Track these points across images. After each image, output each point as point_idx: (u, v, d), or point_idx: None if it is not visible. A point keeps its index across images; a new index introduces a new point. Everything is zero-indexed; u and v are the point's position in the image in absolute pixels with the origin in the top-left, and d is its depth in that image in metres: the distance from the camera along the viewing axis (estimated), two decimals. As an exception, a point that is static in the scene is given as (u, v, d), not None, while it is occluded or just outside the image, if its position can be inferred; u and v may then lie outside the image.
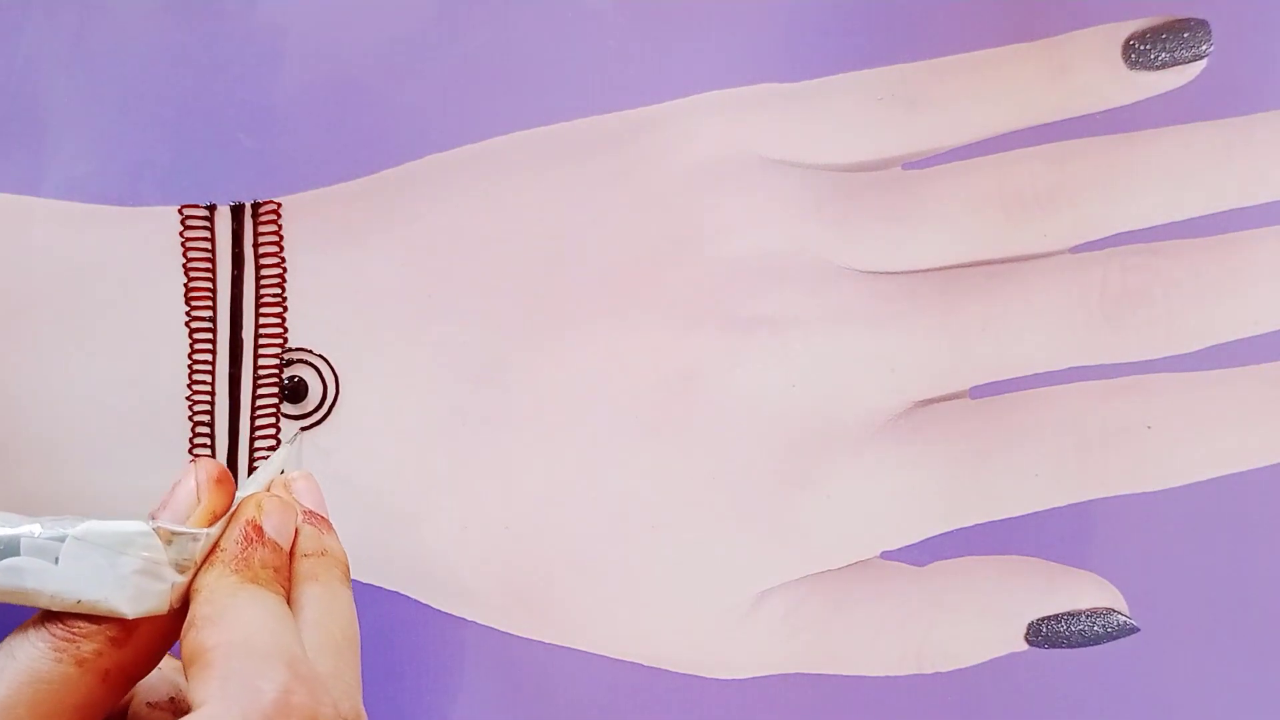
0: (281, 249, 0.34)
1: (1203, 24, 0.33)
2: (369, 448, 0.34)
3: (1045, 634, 0.34)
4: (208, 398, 0.34)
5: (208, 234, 0.34)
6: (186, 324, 0.34)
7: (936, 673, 0.34)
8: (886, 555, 0.34)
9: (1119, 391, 0.34)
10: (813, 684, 0.34)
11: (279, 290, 0.34)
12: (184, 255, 0.34)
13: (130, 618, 0.23)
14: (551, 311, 0.34)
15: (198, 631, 0.22)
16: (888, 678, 0.34)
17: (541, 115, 0.34)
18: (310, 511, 0.27)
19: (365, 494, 0.34)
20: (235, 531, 0.25)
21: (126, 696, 0.26)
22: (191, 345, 0.34)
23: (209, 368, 0.34)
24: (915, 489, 0.34)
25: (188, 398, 0.34)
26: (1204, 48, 0.33)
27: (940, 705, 0.34)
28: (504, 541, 0.34)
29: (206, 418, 0.34)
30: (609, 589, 0.34)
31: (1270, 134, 0.33)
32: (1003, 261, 0.34)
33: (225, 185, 0.34)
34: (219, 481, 0.25)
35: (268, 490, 0.27)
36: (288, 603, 0.24)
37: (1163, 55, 0.33)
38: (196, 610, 0.23)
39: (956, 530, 0.34)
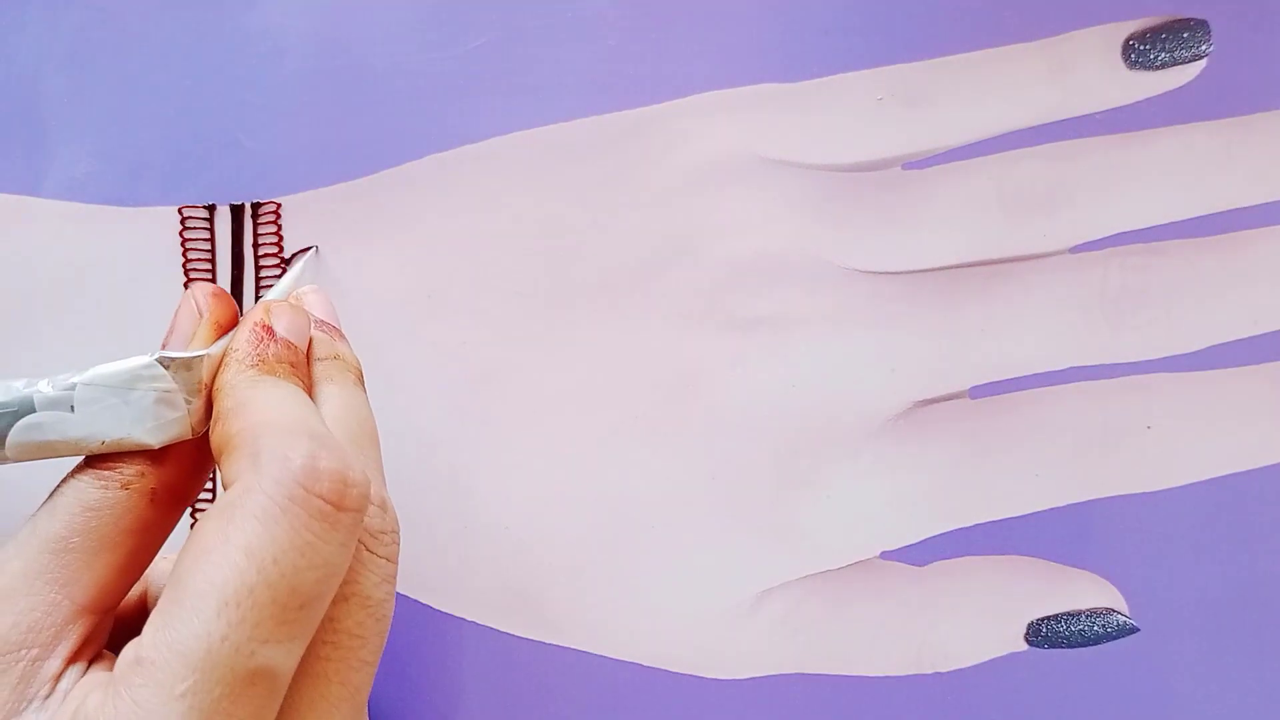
0: (281, 249, 0.34)
1: (1203, 24, 0.33)
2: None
3: (1045, 634, 0.34)
4: (208, 398, 0.34)
5: (208, 234, 0.34)
6: (186, 324, 0.34)
7: (936, 673, 0.34)
8: (886, 555, 0.34)
9: (1119, 391, 0.34)
10: (813, 684, 0.34)
11: (279, 290, 0.34)
12: (184, 255, 0.34)
13: (156, 447, 0.23)
14: (551, 311, 0.34)
15: (224, 423, 0.23)
16: (888, 678, 0.34)
17: (541, 115, 0.34)
18: (321, 320, 0.27)
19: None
20: (245, 332, 0.25)
21: (141, 589, 0.27)
22: (191, 345, 0.34)
23: (209, 368, 0.34)
24: (915, 489, 0.34)
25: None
26: (1204, 48, 0.33)
27: (940, 705, 0.34)
28: (504, 541, 0.34)
29: (206, 418, 0.34)
30: (609, 589, 0.34)
31: (1270, 134, 0.33)
32: (1003, 261, 0.34)
33: (225, 185, 0.34)
34: (216, 295, 0.26)
35: None
36: None
37: (1163, 55, 0.33)
38: (220, 406, 0.23)
39: (956, 530, 0.34)
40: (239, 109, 0.34)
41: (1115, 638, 0.34)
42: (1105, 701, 0.34)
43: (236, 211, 0.34)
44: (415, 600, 0.34)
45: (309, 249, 0.34)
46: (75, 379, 0.23)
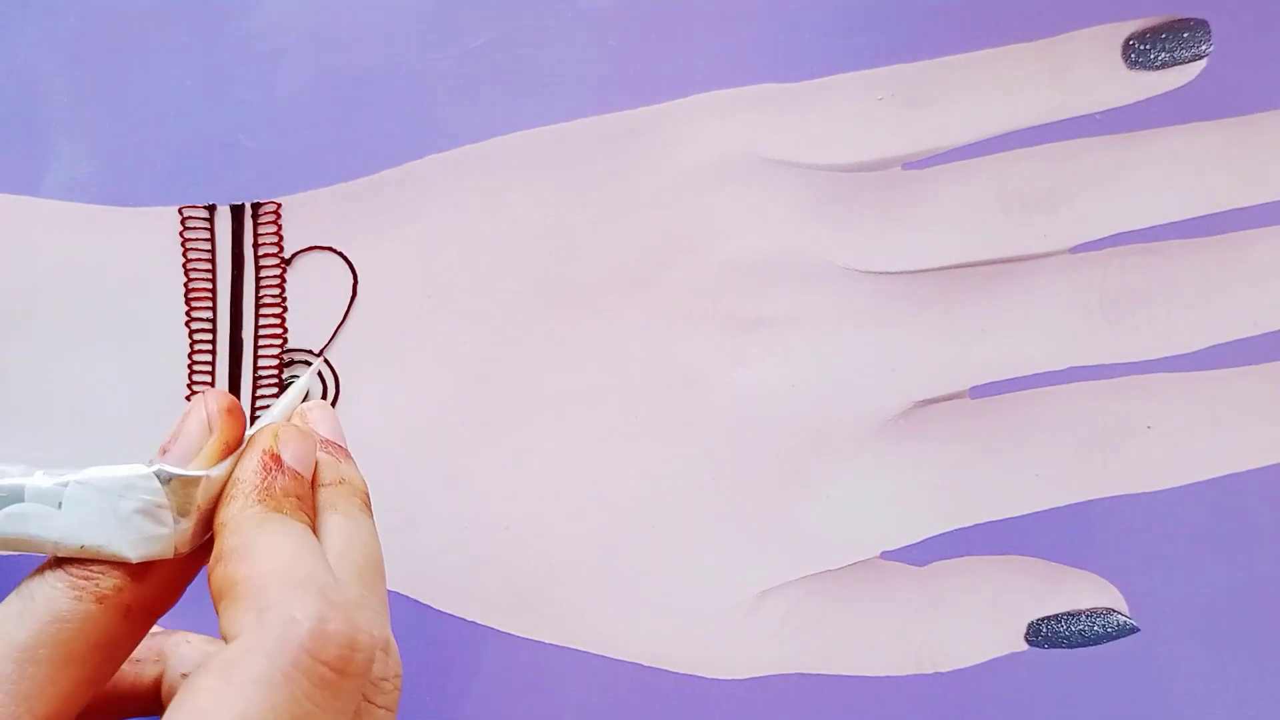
0: (281, 249, 0.34)
1: (1203, 24, 0.33)
2: (369, 448, 0.34)
3: (1045, 634, 0.34)
4: (208, 398, 0.34)
5: (208, 234, 0.34)
6: (186, 324, 0.34)
7: (936, 673, 0.34)
8: (886, 555, 0.34)
9: (1119, 391, 0.34)
10: (813, 684, 0.34)
11: (279, 290, 0.34)
12: (184, 255, 0.34)
13: (134, 562, 0.22)
14: (552, 312, 0.34)
15: (226, 564, 0.22)
16: (888, 678, 0.34)
17: (541, 115, 0.34)
18: (327, 440, 0.26)
19: (365, 494, 0.34)
20: (253, 462, 0.24)
21: (158, 670, 0.26)
22: (191, 345, 0.34)
23: (209, 368, 0.34)
24: (915, 489, 0.34)
25: (187, 398, 0.34)
26: (1204, 48, 0.33)
27: (940, 705, 0.34)
28: (504, 541, 0.34)
29: (206, 418, 0.34)
30: (609, 589, 0.34)
31: (1270, 134, 0.33)
32: (1003, 261, 0.34)
33: (225, 185, 0.34)
34: (230, 411, 0.24)
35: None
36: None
37: (1163, 55, 0.33)
38: (223, 543, 0.22)
39: (956, 530, 0.34)
40: (239, 109, 0.34)
41: (1115, 638, 0.34)
42: (1105, 701, 0.34)
43: (236, 211, 0.34)
44: (415, 600, 0.34)
45: (310, 363, 0.33)
46: (70, 477, 0.22)
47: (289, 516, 0.23)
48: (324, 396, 0.34)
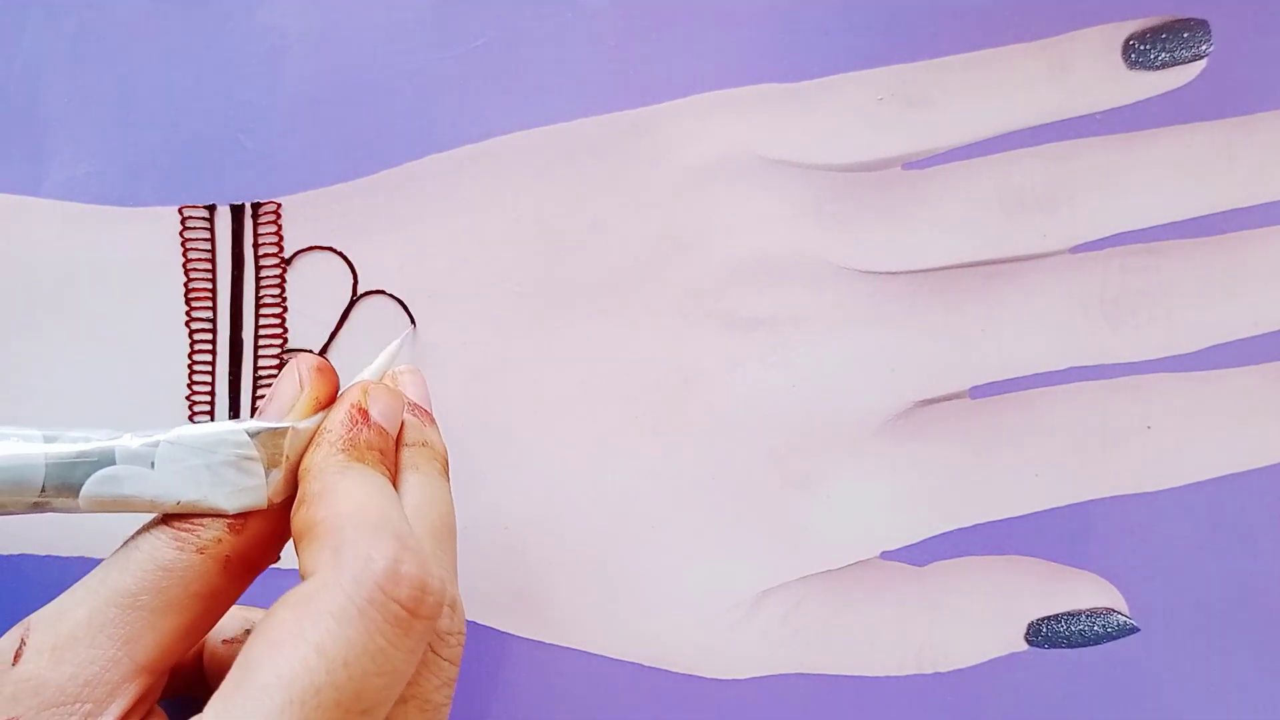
0: (282, 249, 0.34)
1: (1203, 24, 0.33)
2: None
3: (1045, 634, 0.34)
4: (208, 398, 0.34)
5: (208, 234, 0.34)
6: (186, 324, 0.34)
7: (936, 673, 0.34)
8: (886, 555, 0.34)
9: (1119, 391, 0.34)
10: (813, 684, 0.34)
11: (279, 290, 0.34)
12: (184, 255, 0.34)
13: (230, 513, 0.23)
14: (551, 312, 0.34)
15: (308, 508, 0.23)
16: (888, 678, 0.34)
17: (541, 115, 0.34)
18: (415, 404, 0.27)
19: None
20: (340, 414, 0.25)
21: (200, 642, 0.27)
22: (191, 345, 0.34)
23: (209, 368, 0.34)
24: (915, 489, 0.34)
25: (188, 398, 0.34)
26: (1204, 48, 0.33)
27: (940, 705, 0.34)
28: (504, 541, 0.34)
29: (206, 418, 0.34)
30: (609, 589, 0.34)
31: (1270, 134, 0.33)
32: (1003, 261, 0.34)
33: (225, 185, 0.34)
34: (320, 370, 0.25)
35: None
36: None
37: (1163, 55, 0.33)
38: (306, 488, 0.23)
39: (956, 530, 0.34)
40: (239, 109, 0.34)
41: (1115, 638, 0.34)
42: (1105, 701, 0.34)
43: (236, 211, 0.34)
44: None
45: (411, 328, 0.34)
46: (160, 436, 0.23)
47: (370, 467, 0.24)
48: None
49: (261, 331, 0.34)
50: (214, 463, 0.23)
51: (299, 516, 0.23)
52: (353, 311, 0.34)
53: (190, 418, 0.34)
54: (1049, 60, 0.34)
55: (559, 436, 0.34)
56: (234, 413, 0.34)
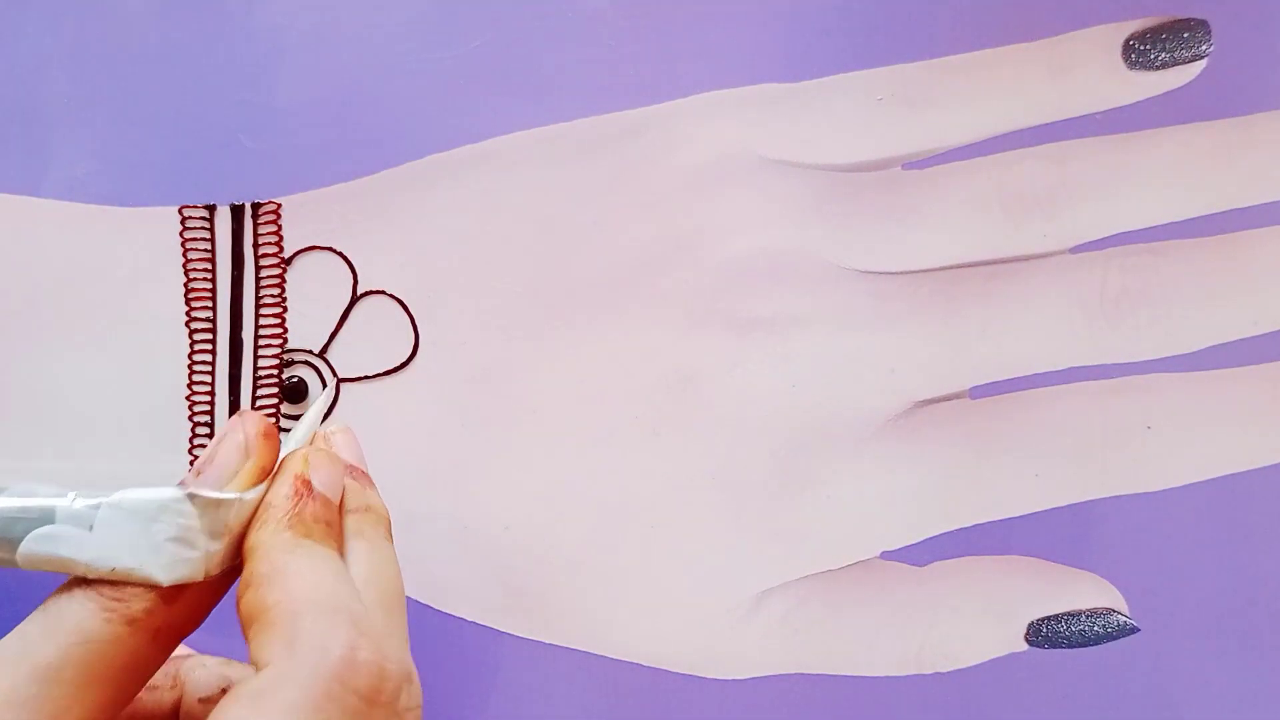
0: (281, 249, 0.34)
1: (1203, 24, 0.33)
2: (369, 448, 0.34)
3: (1045, 634, 0.34)
4: (208, 398, 0.34)
5: (208, 234, 0.34)
6: (186, 324, 0.34)
7: (936, 673, 0.34)
8: (886, 555, 0.34)
9: (1119, 391, 0.34)
10: (813, 684, 0.34)
11: (279, 290, 0.34)
12: (184, 255, 0.34)
13: (165, 585, 0.22)
14: (551, 312, 0.34)
15: (256, 590, 0.22)
16: (888, 678, 0.34)
17: (541, 115, 0.34)
18: (351, 466, 0.26)
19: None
20: (284, 487, 0.24)
21: (176, 696, 0.26)
22: (191, 345, 0.34)
23: (209, 368, 0.34)
24: (915, 489, 0.34)
25: (188, 398, 0.34)
26: (1204, 48, 0.33)
27: (940, 705, 0.34)
28: (504, 541, 0.34)
29: (206, 418, 0.34)
30: (609, 589, 0.34)
31: (1270, 134, 0.33)
32: (1003, 261, 0.34)
33: (225, 185, 0.34)
34: (267, 436, 0.24)
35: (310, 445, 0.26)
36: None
37: (1163, 55, 0.33)
38: (254, 568, 0.22)
39: (956, 530, 0.34)
40: (239, 109, 0.34)
41: (1115, 638, 0.34)
42: (1105, 701, 0.34)
43: (236, 211, 0.34)
44: (415, 600, 0.34)
45: (336, 381, 0.33)
46: (102, 499, 0.22)
47: (319, 543, 0.23)
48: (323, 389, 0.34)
49: (261, 331, 0.34)
50: (154, 530, 0.22)
51: (248, 599, 0.22)
52: (353, 311, 0.34)
53: (190, 418, 0.34)
54: (1049, 60, 0.34)
55: (559, 436, 0.34)
56: (234, 413, 0.34)
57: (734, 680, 0.34)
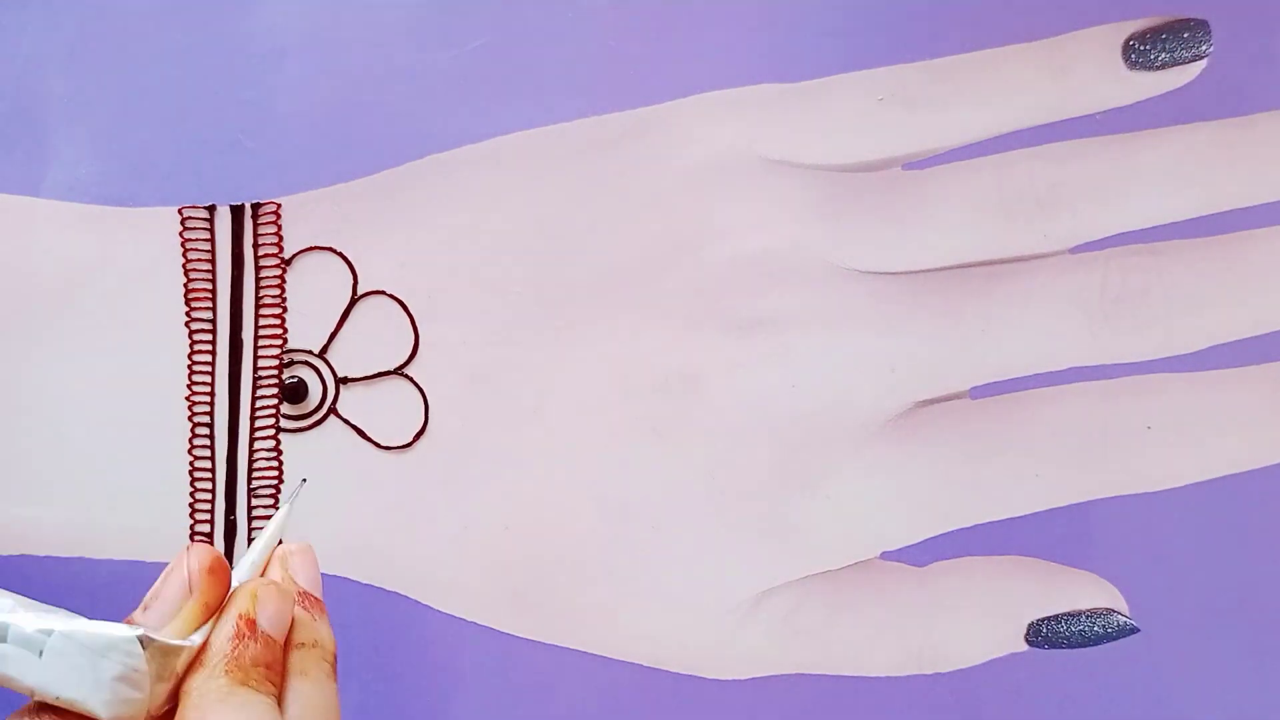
0: (281, 249, 0.34)
1: (1203, 24, 0.33)
2: (369, 448, 0.34)
3: (1045, 634, 0.34)
4: (207, 398, 0.34)
5: (208, 234, 0.34)
6: (186, 324, 0.34)
7: (936, 673, 0.34)
8: (886, 555, 0.34)
9: (1119, 391, 0.34)
10: (813, 684, 0.34)
11: (279, 290, 0.34)
12: (184, 255, 0.34)
13: None
14: (552, 312, 0.34)
15: None
16: (888, 678, 0.34)
17: (541, 115, 0.34)
18: (304, 593, 0.26)
19: (365, 494, 0.34)
20: (227, 628, 0.24)
21: None
22: (191, 345, 0.34)
23: (209, 368, 0.34)
24: (915, 489, 0.34)
25: (187, 398, 0.34)
26: (1204, 48, 0.33)
27: (940, 705, 0.34)
28: (504, 541, 0.34)
29: (206, 418, 0.34)
30: (609, 589, 0.34)
31: (1270, 134, 0.33)
32: (1003, 262, 0.34)
33: (225, 185, 0.34)
34: (212, 571, 0.24)
35: (268, 562, 0.26)
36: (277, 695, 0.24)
37: (1163, 55, 0.33)
38: (184, 715, 0.22)
39: (956, 530, 0.34)
40: (239, 109, 0.34)
41: (1115, 638, 0.34)
42: (1105, 701, 0.34)
43: (236, 211, 0.34)
44: (415, 600, 0.34)
45: (299, 486, 0.32)
46: (55, 625, 0.22)
47: (255, 689, 0.23)
48: (323, 396, 0.34)
49: (261, 331, 0.34)
50: (101, 667, 0.22)
51: None
52: (353, 311, 0.34)
53: (190, 418, 0.34)
54: (1049, 60, 0.34)
55: (559, 437, 0.34)
56: (234, 413, 0.34)
57: (734, 680, 0.34)
